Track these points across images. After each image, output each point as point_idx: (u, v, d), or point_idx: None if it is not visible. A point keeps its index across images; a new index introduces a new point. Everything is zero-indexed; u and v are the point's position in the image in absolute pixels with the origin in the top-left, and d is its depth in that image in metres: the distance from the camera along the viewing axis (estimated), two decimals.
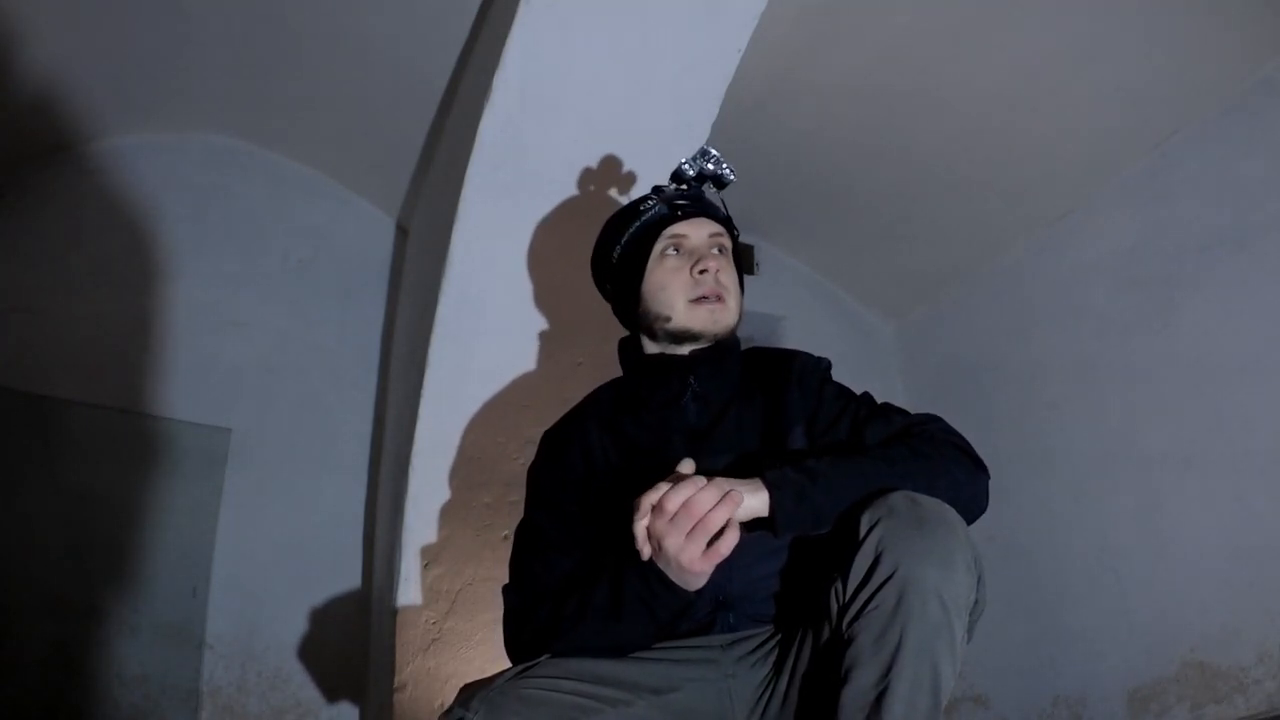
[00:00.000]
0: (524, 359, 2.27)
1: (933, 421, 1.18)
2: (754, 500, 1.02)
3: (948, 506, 0.98)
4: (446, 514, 2.23)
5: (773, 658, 1.11)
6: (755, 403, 1.26)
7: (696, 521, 0.98)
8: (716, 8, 2.16)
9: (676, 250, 1.28)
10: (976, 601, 0.98)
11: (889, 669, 0.91)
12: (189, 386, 2.79)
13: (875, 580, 0.93)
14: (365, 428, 3.07)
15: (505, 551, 1.28)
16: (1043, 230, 3.45)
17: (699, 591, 1.08)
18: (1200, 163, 2.92)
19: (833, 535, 1.03)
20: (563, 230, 2.19)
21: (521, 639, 1.17)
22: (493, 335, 2.27)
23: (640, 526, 1.01)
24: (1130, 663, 2.87)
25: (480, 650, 2.16)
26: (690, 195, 1.32)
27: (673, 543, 0.99)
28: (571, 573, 1.18)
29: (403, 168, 3.08)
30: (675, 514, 0.98)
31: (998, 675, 3.28)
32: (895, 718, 0.89)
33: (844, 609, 0.97)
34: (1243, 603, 2.60)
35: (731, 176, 1.34)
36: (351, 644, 2.72)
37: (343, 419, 3.05)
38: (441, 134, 2.80)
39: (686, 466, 1.05)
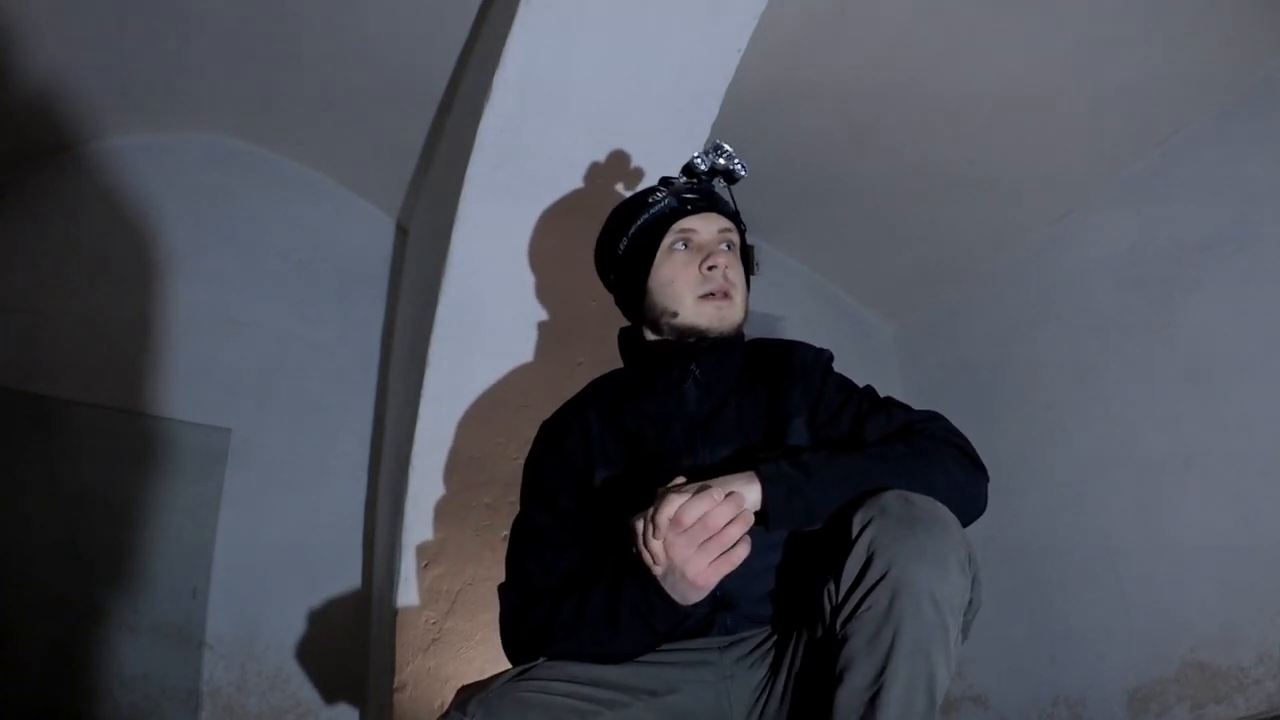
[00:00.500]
0: (524, 359, 2.27)
1: (934, 419, 1.17)
2: (747, 494, 1.02)
3: (941, 505, 0.98)
4: (446, 514, 2.22)
5: (770, 658, 1.10)
6: (757, 393, 1.25)
7: (710, 535, 0.98)
8: (716, 8, 2.16)
9: (685, 245, 1.27)
10: (971, 601, 0.97)
11: (882, 670, 0.90)
12: (189, 386, 2.79)
13: (868, 581, 0.93)
14: (365, 428, 3.07)
15: (505, 551, 1.27)
16: (1043, 230, 3.45)
17: None
18: (1200, 163, 2.92)
19: (827, 535, 1.02)
20: (562, 230, 2.19)
21: (518, 639, 1.17)
22: (493, 335, 2.27)
23: (657, 545, 0.99)
24: (1130, 663, 2.87)
25: (480, 650, 2.16)
26: (700, 189, 1.30)
27: (681, 554, 0.98)
28: (569, 571, 1.18)
29: (403, 168, 3.08)
30: (690, 527, 0.98)
31: (998, 675, 3.28)
32: (889, 718, 0.89)
33: (837, 609, 0.96)
34: (1243, 603, 2.60)
35: (743, 172, 1.32)
36: (351, 644, 2.72)
37: (343, 419, 3.05)
38: (441, 134, 2.80)
39: (678, 481, 1.04)
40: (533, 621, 1.14)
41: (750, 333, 1.34)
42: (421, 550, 2.21)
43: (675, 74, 2.23)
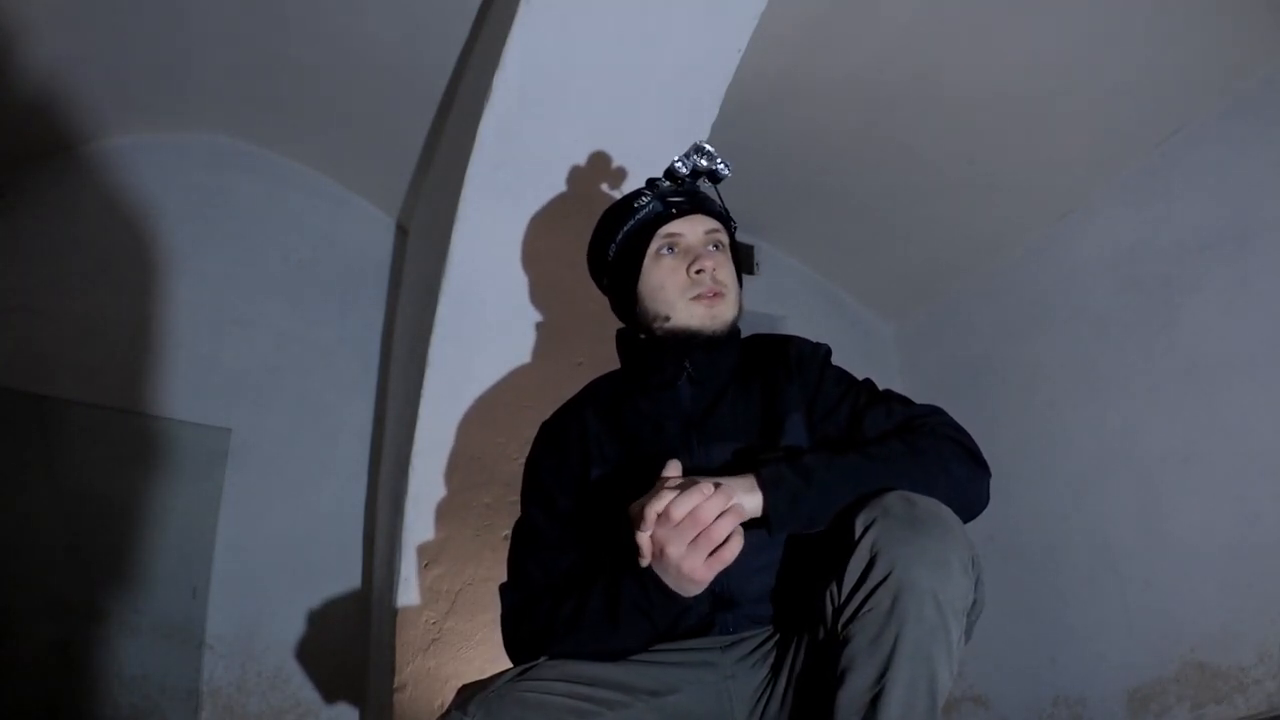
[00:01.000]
0: (524, 359, 2.27)
1: (934, 414, 1.16)
2: (749, 500, 1.02)
3: (944, 506, 0.97)
4: (446, 514, 2.22)
5: (771, 659, 1.10)
6: (752, 389, 1.25)
7: (701, 530, 0.98)
8: (716, 8, 2.15)
9: (672, 250, 1.27)
10: (975, 602, 0.97)
11: (884, 671, 0.90)
12: (189, 386, 2.79)
13: (870, 582, 0.93)
14: (365, 428, 3.07)
15: (505, 551, 1.28)
16: (1043, 230, 3.44)
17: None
18: (1200, 163, 2.92)
19: (829, 535, 1.02)
20: (563, 230, 2.19)
21: (519, 638, 1.17)
22: (493, 335, 2.27)
23: (644, 538, 1.00)
24: (1130, 663, 2.87)
25: (480, 650, 2.16)
26: (685, 191, 1.30)
27: (675, 551, 0.98)
28: (569, 570, 1.18)
29: (403, 168, 3.08)
30: (680, 522, 0.98)
31: (998, 675, 3.28)
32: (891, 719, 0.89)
33: (839, 610, 0.96)
34: (1243, 603, 2.59)
35: (726, 171, 1.31)
36: (351, 644, 2.72)
37: (343, 419, 3.05)
38: (441, 134, 2.80)
39: (673, 469, 1.04)
40: (533, 621, 1.14)
41: (750, 332, 1.34)
42: (421, 550, 2.20)
43: (675, 74, 2.23)
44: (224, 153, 3.10)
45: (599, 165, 2.16)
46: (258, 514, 2.79)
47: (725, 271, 1.27)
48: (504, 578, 1.25)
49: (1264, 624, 2.54)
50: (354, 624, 2.76)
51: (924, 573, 0.91)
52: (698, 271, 1.24)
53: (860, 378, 1.27)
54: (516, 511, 1.30)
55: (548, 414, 1.36)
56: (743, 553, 1.09)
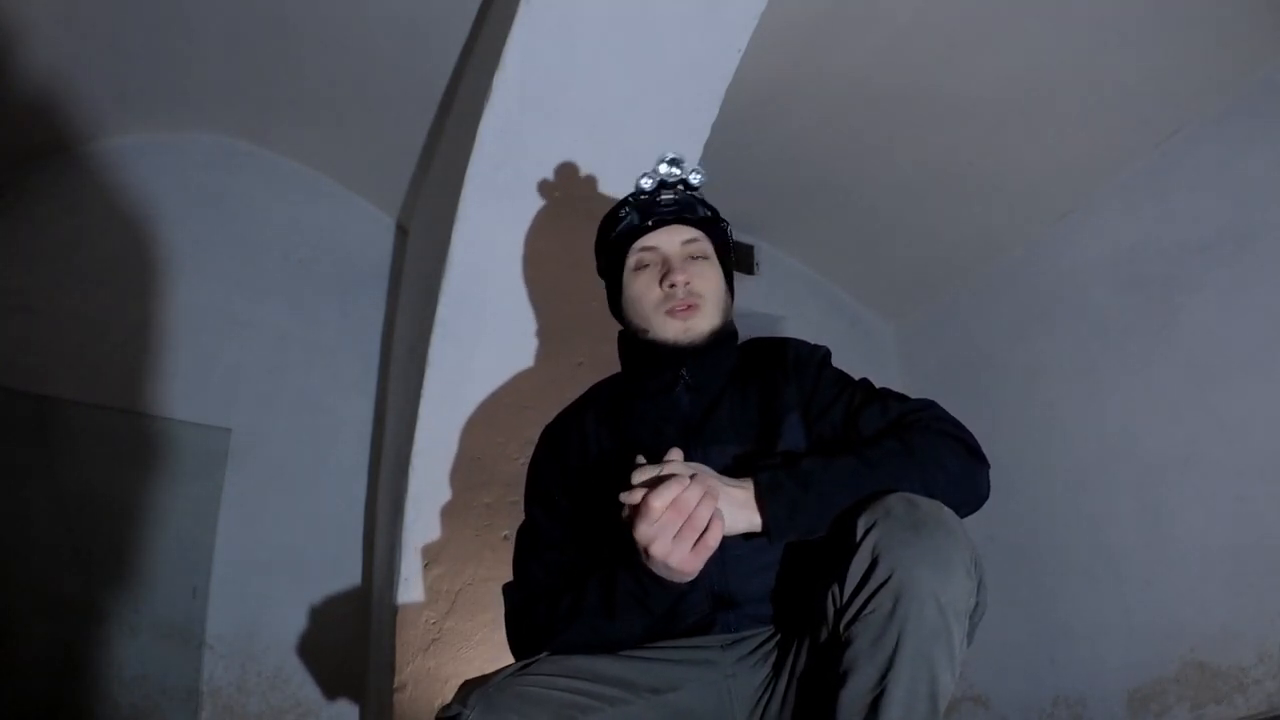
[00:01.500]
0: (524, 359, 2.27)
1: (927, 409, 1.15)
2: (747, 511, 1.02)
3: (946, 509, 0.97)
4: (446, 514, 2.22)
5: (772, 658, 1.10)
6: (750, 392, 1.25)
7: (684, 521, 0.98)
8: (716, 8, 2.15)
9: (647, 264, 1.27)
10: (977, 605, 0.97)
11: (885, 673, 0.90)
12: (189, 386, 2.79)
13: (872, 584, 0.93)
14: (365, 428, 3.07)
15: (505, 551, 1.28)
16: (1043, 230, 3.45)
17: (700, 590, 1.08)
18: (1200, 163, 2.92)
19: (831, 537, 1.02)
20: (563, 230, 2.19)
21: (521, 636, 1.18)
22: (493, 335, 2.27)
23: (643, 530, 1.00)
24: (1130, 663, 2.87)
25: (480, 650, 2.16)
26: (663, 201, 1.29)
27: (661, 546, 0.98)
28: (569, 570, 1.19)
29: (403, 168, 3.08)
30: (662, 515, 0.98)
31: (998, 675, 3.28)
32: None
33: (841, 612, 0.96)
34: (1243, 603, 2.60)
35: (696, 179, 1.31)
36: (351, 644, 2.72)
37: (343, 419, 3.05)
38: (441, 134, 2.80)
39: (675, 454, 1.04)
40: (534, 618, 1.16)
41: (750, 333, 1.34)
42: (422, 550, 2.20)
43: (675, 74, 2.23)
44: (224, 153, 3.10)
45: (599, 165, 2.16)
46: (258, 514, 2.80)
47: (702, 281, 1.26)
48: (504, 577, 1.27)
49: (1264, 624, 2.54)
50: (354, 624, 2.76)
51: (926, 575, 0.91)
52: (670, 285, 1.24)
53: (859, 378, 1.27)
54: (517, 511, 1.31)
55: (548, 414, 1.37)
56: (744, 553, 1.09)
